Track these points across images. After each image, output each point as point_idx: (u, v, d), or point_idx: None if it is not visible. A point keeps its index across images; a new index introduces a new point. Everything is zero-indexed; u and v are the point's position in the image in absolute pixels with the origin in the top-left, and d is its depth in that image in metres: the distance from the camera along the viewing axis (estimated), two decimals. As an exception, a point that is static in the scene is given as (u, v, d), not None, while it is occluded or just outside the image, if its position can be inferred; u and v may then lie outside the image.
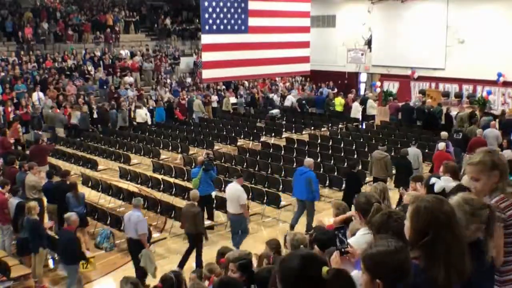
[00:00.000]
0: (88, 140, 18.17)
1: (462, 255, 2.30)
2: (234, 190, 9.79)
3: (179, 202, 11.63)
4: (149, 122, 20.45)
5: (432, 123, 18.18)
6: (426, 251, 2.28)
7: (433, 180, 4.42)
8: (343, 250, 2.92)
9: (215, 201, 11.24)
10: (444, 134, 13.84)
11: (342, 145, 16.71)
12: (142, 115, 20.32)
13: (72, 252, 8.21)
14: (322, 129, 20.11)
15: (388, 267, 2.13)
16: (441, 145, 12.47)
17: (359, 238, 3.57)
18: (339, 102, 21.88)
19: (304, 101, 23.20)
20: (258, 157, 15.52)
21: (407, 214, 2.42)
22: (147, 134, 18.85)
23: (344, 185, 11.91)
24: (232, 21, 19.78)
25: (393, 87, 25.04)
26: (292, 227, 10.40)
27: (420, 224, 2.32)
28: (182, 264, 9.14)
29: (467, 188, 3.40)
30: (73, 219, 8.29)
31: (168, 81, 24.53)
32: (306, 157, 15.05)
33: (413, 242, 2.31)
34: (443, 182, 4.34)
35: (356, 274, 2.80)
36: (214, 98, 23.22)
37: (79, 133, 18.89)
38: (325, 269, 2.05)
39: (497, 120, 16.89)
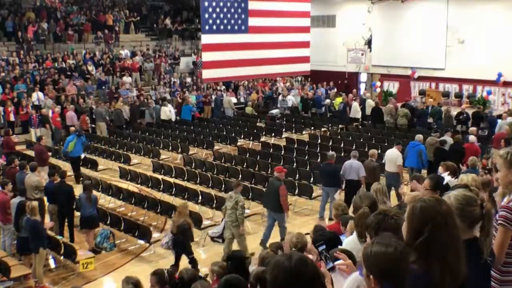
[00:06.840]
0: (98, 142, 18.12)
1: (458, 256, 2.26)
2: (393, 154, 12.20)
3: (179, 202, 11.60)
4: (173, 119, 20.55)
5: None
6: (421, 252, 2.24)
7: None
8: (328, 268, 2.92)
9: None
10: (472, 129, 15.26)
11: (342, 145, 16.72)
12: (167, 112, 20.42)
13: (337, 179, 11.35)
14: (322, 129, 20.14)
15: (384, 267, 2.11)
16: (471, 138, 13.36)
17: (355, 238, 3.60)
18: (339, 102, 21.87)
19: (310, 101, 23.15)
20: (258, 157, 15.52)
21: (405, 214, 2.39)
22: (149, 134, 18.86)
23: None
24: (232, 21, 19.79)
25: (393, 87, 25.06)
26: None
27: (416, 224, 2.28)
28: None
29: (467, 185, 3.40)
30: (330, 154, 11.91)
31: (173, 79, 24.43)
32: (306, 156, 15.17)
33: (409, 242, 2.27)
34: (447, 178, 4.39)
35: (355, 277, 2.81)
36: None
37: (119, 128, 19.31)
38: None
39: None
